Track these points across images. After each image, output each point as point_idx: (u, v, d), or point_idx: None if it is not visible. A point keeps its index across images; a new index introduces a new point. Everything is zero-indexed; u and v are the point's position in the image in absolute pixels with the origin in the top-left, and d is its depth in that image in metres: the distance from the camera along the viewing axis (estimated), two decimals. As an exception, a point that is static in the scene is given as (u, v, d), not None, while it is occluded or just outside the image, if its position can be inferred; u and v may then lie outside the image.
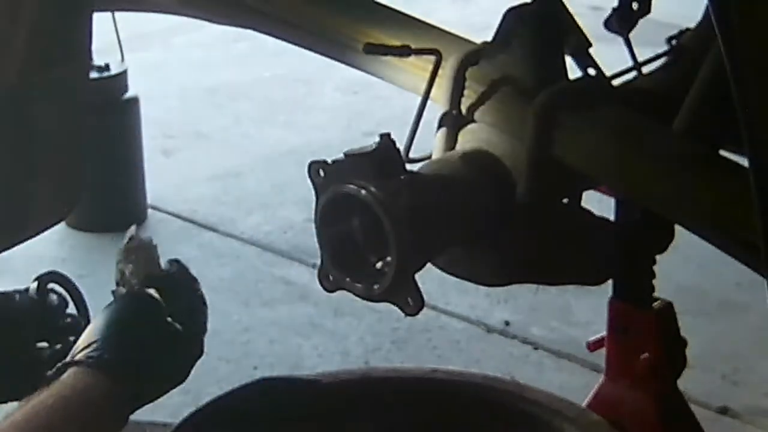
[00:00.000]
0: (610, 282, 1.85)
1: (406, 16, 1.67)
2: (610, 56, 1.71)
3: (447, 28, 1.64)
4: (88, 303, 1.68)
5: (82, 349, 1.43)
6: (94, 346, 1.43)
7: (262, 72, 4.99)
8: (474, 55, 1.53)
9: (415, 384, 1.71)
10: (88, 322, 1.56)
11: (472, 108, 1.52)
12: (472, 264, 1.53)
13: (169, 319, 1.52)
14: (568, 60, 1.56)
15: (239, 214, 3.87)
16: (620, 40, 1.69)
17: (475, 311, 3.29)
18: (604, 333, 1.95)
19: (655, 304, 1.88)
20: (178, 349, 1.52)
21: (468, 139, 1.52)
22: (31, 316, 1.63)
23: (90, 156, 1.86)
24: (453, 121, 1.53)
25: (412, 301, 1.39)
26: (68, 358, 1.42)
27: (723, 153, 1.49)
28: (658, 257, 1.82)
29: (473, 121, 1.52)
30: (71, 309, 1.70)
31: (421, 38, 1.58)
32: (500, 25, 1.51)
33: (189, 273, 1.62)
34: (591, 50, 1.59)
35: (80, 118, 1.82)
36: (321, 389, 1.69)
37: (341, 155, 1.41)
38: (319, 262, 1.45)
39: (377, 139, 1.41)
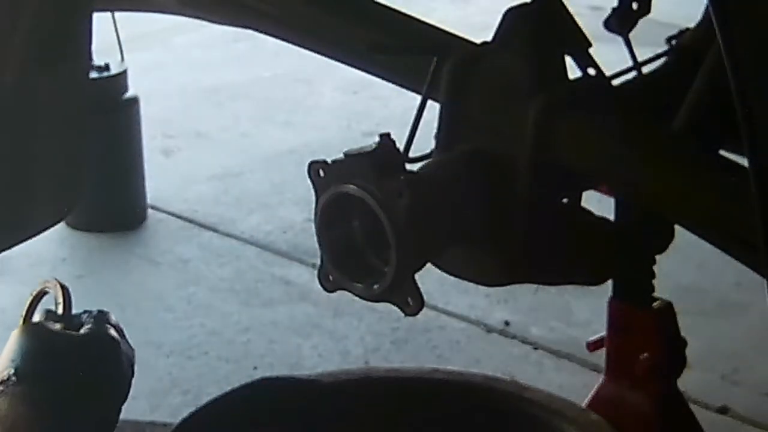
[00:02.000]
0: (610, 282, 1.85)
1: (406, 16, 1.67)
2: (610, 56, 1.71)
3: (447, 28, 1.64)
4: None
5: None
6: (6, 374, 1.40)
7: (262, 72, 4.99)
8: (474, 55, 1.53)
9: (415, 384, 1.71)
10: None
11: (471, 108, 1.52)
12: (472, 264, 1.53)
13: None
14: (568, 60, 1.56)
15: (239, 214, 3.87)
16: (620, 40, 1.69)
17: (475, 311, 3.29)
18: (604, 333, 1.95)
19: (655, 304, 1.89)
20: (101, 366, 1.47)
21: (468, 139, 1.52)
22: None
23: (90, 156, 1.86)
24: (453, 121, 1.53)
25: (412, 301, 1.39)
26: None
27: (723, 153, 1.49)
28: (658, 257, 1.82)
29: (473, 120, 1.52)
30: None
31: (420, 38, 1.58)
32: (500, 25, 1.51)
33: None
34: (591, 50, 1.59)
35: (80, 118, 1.82)
36: (321, 389, 1.69)
37: (341, 155, 1.41)
38: (319, 262, 1.45)
39: (377, 139, 1.41)
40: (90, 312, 1.53)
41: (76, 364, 1.44)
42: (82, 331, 1.48)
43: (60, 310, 1.51)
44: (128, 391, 1.50)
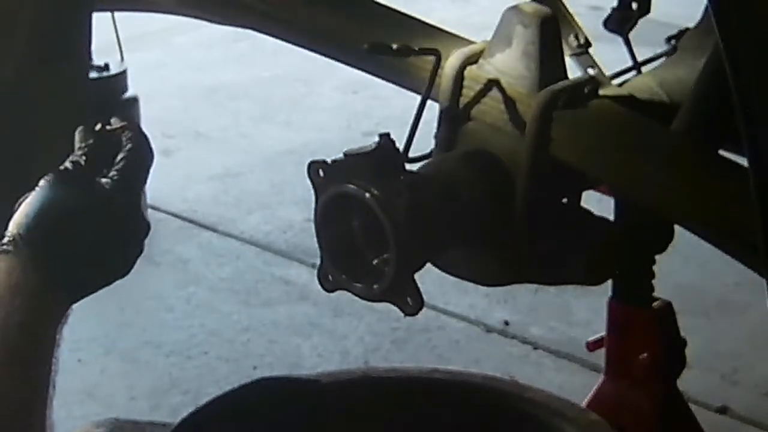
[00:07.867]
0: (610, 282, 1.85)
1: (406, 16, 1.67)
2: (610, 56, 1.71)
3: (447, 28, 1.64)
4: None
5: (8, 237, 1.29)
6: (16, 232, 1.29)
7: (262, 72, 4.99)
8: (473, 55, 1.53)
9: (415, 384, 1.71)
10: None
11: (471, 108, 1.52)
12: (471, 264, 1.53)
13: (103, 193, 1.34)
14: (568, 60, 1.56)
15: (239, 214, 3.87)
16: (620, 40, 1.69)
17: (475, 311, 3.29)
18: (603, 333, 1.95)
19: (655, 304, 1.88)
20: (114, 232, 1.37)
21: (468, 139, 1.52)
22: None
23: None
24: (452, 121, 1.53)
25: (411, 301, 1.39)
26: None
27: (723, 153, 1.49)
28: (658, 257, 1.82)
29: (473, 120, 1.52)
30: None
31: (420, 38, 1.58)
32: (500, 25, 1.51)
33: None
34: (591, 50, 1.59)
35: (79, 117, 1.82)
36: (321, 389, 1.69)
37: (341, 155, 1.41)
38: (318, 262, 1.45)
39: (377, 139, 1.41)
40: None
41: (85, 230, 1.33)
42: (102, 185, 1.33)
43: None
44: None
